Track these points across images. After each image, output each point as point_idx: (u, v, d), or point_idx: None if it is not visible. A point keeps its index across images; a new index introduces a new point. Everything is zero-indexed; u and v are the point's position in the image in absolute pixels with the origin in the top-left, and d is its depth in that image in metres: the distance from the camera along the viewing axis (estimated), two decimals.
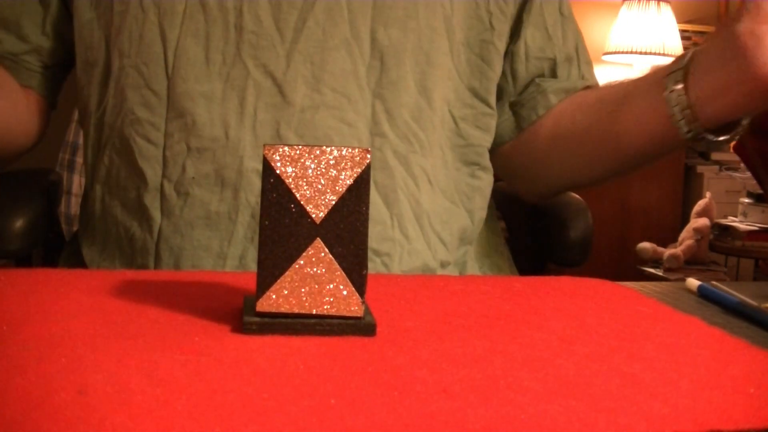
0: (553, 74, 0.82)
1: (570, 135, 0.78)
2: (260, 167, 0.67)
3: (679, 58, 0.66)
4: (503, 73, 0.81)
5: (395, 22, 0.71)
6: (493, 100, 0.79)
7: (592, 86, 0.82)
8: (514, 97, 0.82)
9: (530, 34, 0.80)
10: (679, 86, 0.64)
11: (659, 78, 0.67)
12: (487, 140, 0.79)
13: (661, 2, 3.13)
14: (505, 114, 0.83)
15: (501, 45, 0.78)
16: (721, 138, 0.65)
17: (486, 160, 0.80)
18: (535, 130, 0.81)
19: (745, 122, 0.65)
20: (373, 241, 0.70)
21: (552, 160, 0.82)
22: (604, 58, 3.18)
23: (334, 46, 0.69)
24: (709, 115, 0.63)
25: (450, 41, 0.74)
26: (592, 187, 0.85)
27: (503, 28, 0.78)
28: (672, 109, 0.64)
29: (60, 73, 0.84)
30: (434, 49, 0.73)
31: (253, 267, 0.67)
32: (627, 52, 3.11)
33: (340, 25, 0.70)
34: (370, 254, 0.70)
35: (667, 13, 3.14)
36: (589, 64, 0.85)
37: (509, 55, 0.81)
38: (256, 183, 0.67)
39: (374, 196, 0.70)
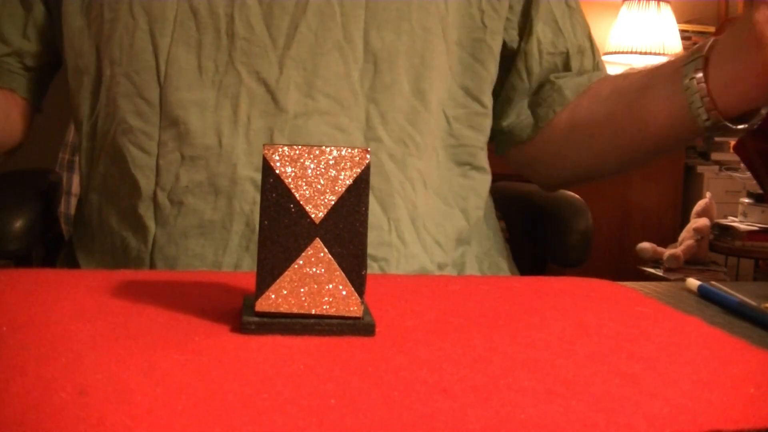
0: (567, 68, 0.81)
1: (586, 127, 0.78)
2: (254, 175, 0.66)
3: (698, 48, 0.65)
4: (518, 71, 0.80)
5: (388, 24, 0.70)
6: (486, 99, 0.78)
7: (606, 77, 0.82)
8: (530, 96, 0.82)
9: (541, 30, 0.80)
10: (699, 74, 0.63)
11: (678, 67, 0.66)
12: (481, 140, 0.79)
13: (661, 2, 3.13)
14: (524, 114, 0.82)
15: (494, 43, 0.77)
16: (740, 126, 0.65)
17: (479, 160, 0.79)
18: (552, 124, 0.81)
19: (764, 111, 0.65)
20: (370, 247, 0.69)
21: (568, 151, 0.81)
22: (604, 58, 3.16)
23: (326, 51, 0.69)
24: (728, 104, 0.63)
25: (446, 41, 0.74)
26: (606, 178, 0.85)
27: (496, 26, 0.77)
28: (691, 97, 0.64)
29: (45, 77, 0.83)
30: (429, 50, 0.72)
31: None
32: (627, 52, 3.11)
33: (333, 29, 0.69)
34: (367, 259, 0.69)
35: (667, 13, 3.14)
36: (600, 53, 0.85)
37: (522, 54, 0.80)
38: (250, 191, 0.67)
39: (371, 201, 0.70)
